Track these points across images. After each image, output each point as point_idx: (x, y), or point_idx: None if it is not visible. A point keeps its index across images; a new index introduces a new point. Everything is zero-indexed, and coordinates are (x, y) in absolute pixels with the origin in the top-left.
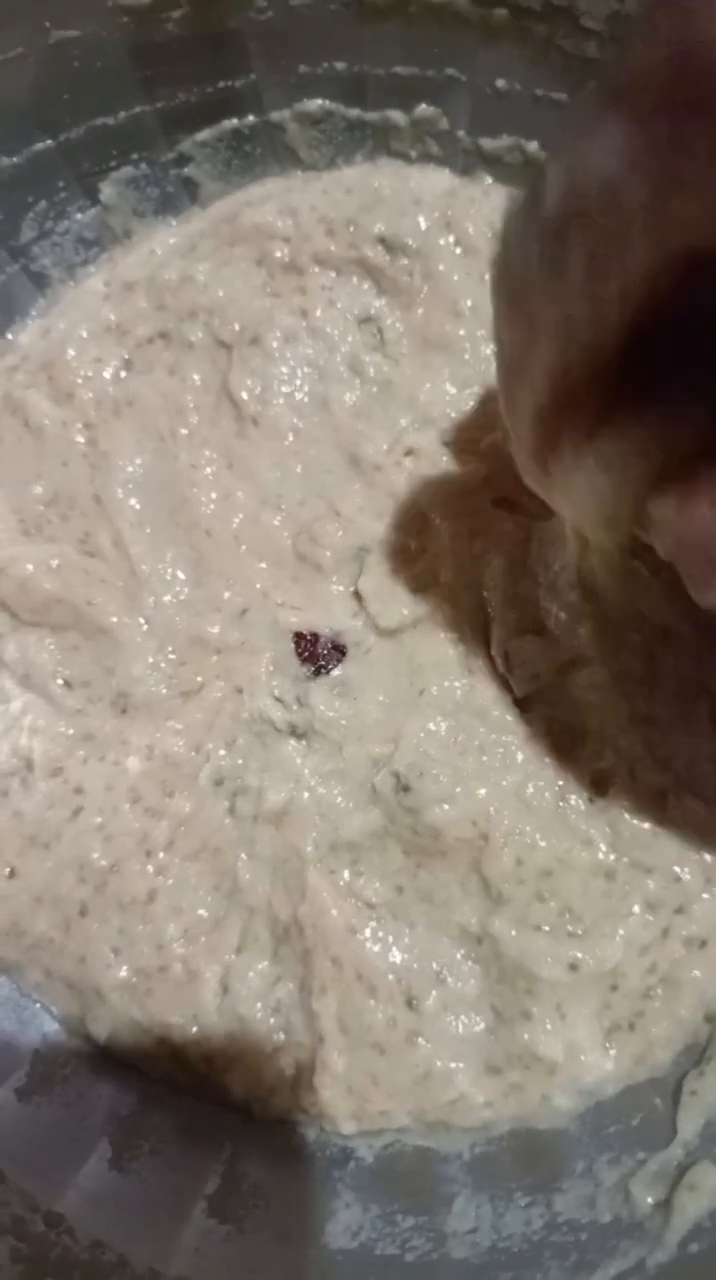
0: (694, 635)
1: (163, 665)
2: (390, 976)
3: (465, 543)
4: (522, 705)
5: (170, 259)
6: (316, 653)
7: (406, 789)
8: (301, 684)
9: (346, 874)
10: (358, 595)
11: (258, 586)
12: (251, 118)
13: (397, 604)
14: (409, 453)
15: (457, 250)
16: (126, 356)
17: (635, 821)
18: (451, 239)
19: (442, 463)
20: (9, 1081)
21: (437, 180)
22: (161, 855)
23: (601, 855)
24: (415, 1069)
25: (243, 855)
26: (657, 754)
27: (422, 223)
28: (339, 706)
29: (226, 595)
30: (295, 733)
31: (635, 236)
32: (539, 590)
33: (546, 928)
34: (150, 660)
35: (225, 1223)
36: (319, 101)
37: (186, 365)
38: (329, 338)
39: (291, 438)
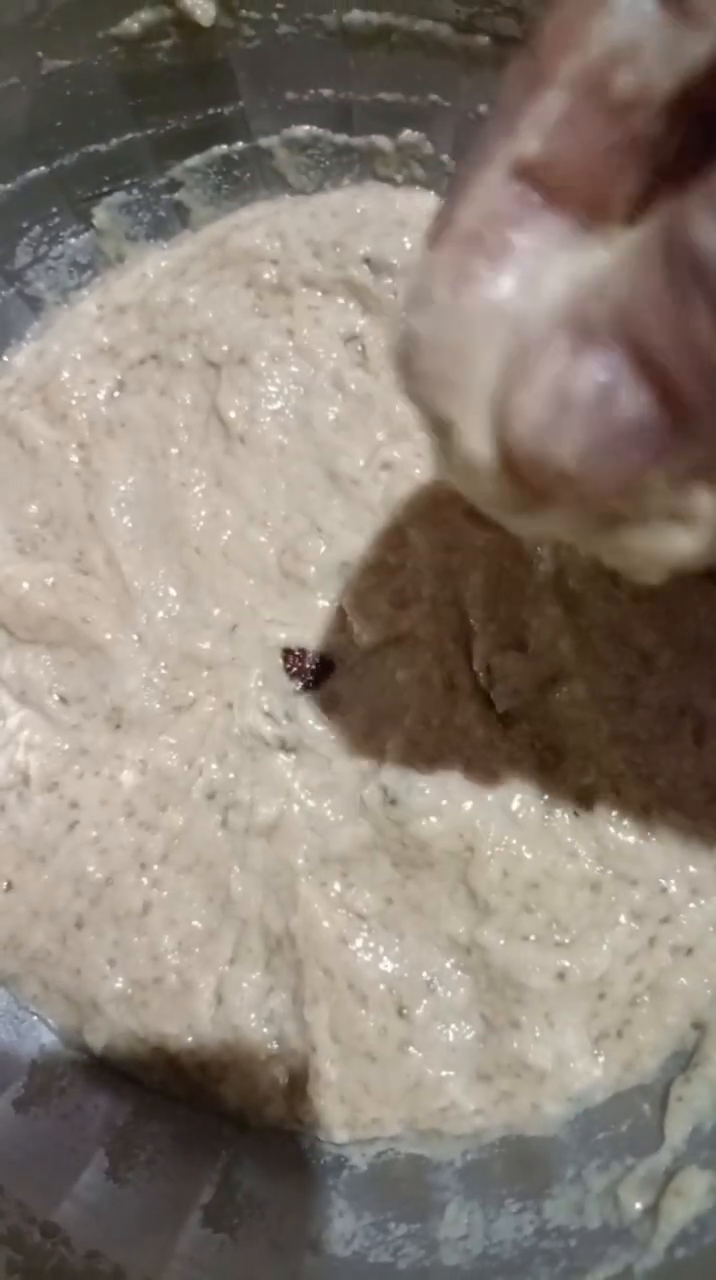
0: (673, 660)
1: (155, 681)
2: (381, 986)
3: (442, 556)
4: (505, 721)
5: (161, 282)
6: (304, 668)
7: (394, 802)
8: (290, 699)
9: (337, 886)
10: (341, 611)
11: (246, 603)
12: (240, 144)
13: (379, 619)
14: (386, 466)
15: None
16: (119, 378)
17: (620, 835)
18: None
19: (416, 475)
20: (7, 1093)
21: (422, 202)
22: (156, 868)
23: (587, 867)
24: (407, 1077)
25: (235, 868)
26: (641, 771)
27: (407, 243)
28: (327, 721)
29: (216, 612)
30: (285, 747)
31: None
32: (519, 605)
33: (534, 938)
34: (143, 676)
35: (220, 1232)
36: (306, 128)
37: (177, 386)
38: (314, 356)
39: (276, 454)
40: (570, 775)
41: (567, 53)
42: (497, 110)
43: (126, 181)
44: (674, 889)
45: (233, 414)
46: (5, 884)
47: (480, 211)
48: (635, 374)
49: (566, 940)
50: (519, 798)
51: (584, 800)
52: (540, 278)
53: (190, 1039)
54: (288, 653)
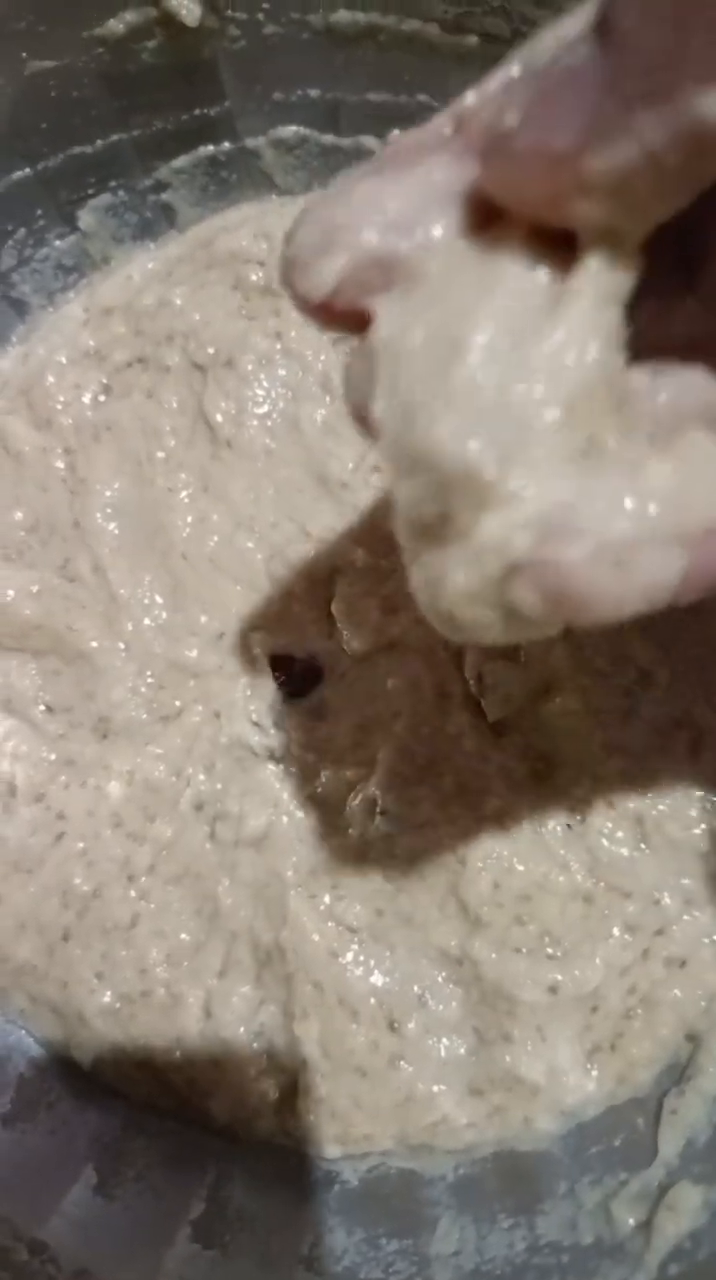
0: (670, 679)
1: (142, 690)
2: (372, 1000)
3: None
4: (497, 730)
5: (148, 284)
6: (292, 676)
7: (384, 813)
8: (278, 708)
9: (327, 898)
10: (331, 618)
11: (234, 610)
12: (227, 144)
13: (369, 627)
14: (375, 469)
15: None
16: (105, 381)
17: (613, 847)
18: None
19: None
20: None
21: None
22: (143, 880)
23: (579, 880)
24: (398, 1092)
25: (224, 880)
26: (635, 782)
27: None
28: (315, 730)
29: (203, 619)
30: (273, 757)
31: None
32: None
33: (525, 950)
34: (129, 685)
35: (210, 1248)
36: (293, 128)
37: (163, 389)
38: (302, 358)
39: (264, 459)
40: (562, 786)
41: (527, 49)
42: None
43: (112, 183)
44: (667, 901)
45: (219, 417)
46: None
47: (409, 138)
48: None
49: (558, 953)
50: (509, 809)
51: (576, 811)
52: (439, 197)
53: (179, 1053)
54: (276, 661)
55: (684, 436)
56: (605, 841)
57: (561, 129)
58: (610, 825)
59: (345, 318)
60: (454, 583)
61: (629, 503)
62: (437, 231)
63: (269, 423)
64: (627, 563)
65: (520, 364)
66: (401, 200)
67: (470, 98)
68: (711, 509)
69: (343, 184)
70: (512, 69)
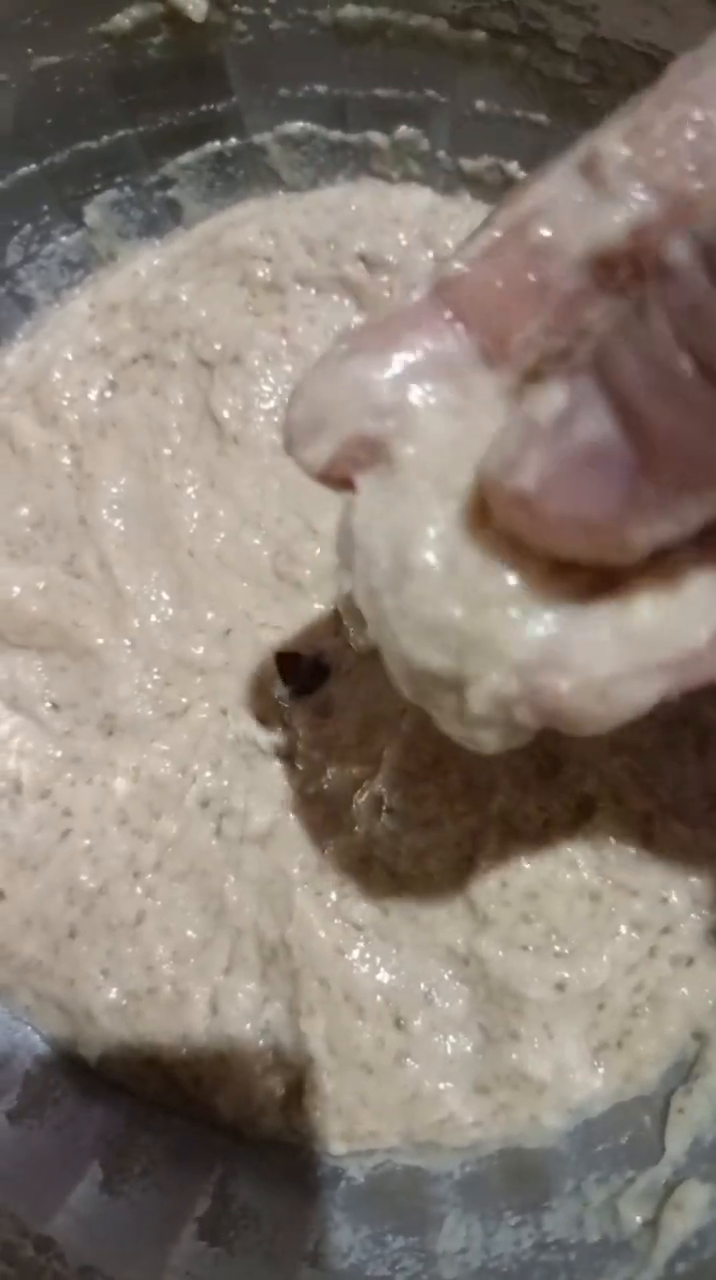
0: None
1: (148, 686)
2: (378, 997)
3: None
4: None
5: (154, 280)
6: (299, 673)
7: (390, 810)
8: (284, 705)
9: (333, 895)
10: (337, 614)
11: (240, 606)
12: (234, 140)
13: None
14: None
15: (436, 265)
16: (111, 378)
17: (620, 845)
18: (430, 255)
19: None
20: (0, 1105)
21: (418, 199)
22: (149, 877)
23: (586, 877)
24: (404, 1089)
25: (230, 877)
26: (642, 780)
27: (402, 239)
28: (321, 727)
29: (210, 616)
30: (279, 754)
31: None
32: None
33: (532, 948)
34: (136, 681)
35: (215, 1245)
36: (300, 124)
37: (169, 385)
38: (309, 354)
39: (270, 455)
40: (570, 784)
41: (509, 204)
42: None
43: (118, 179)
44: (674, 899)
45: (226, 414)
46: None
47: (395, 310)
48: (597, 399)
49: (565, 951)
50: (516, 807)
51: (584, 809)
52: (418, 375)
53: (185, 1050)
54: (282, 657)
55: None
56: (612, 839)
57: (595, 505)
58: (617, 823)
59: (342, 484)
60: (463, 720)
61: (613, 646)
62: (421, 414)
63: (275, 419)
64: (609, 695)
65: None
66: (386, 382)
67: (455, 265)
68: (688, 639)
69: (333, 359)
70: (494, 232)
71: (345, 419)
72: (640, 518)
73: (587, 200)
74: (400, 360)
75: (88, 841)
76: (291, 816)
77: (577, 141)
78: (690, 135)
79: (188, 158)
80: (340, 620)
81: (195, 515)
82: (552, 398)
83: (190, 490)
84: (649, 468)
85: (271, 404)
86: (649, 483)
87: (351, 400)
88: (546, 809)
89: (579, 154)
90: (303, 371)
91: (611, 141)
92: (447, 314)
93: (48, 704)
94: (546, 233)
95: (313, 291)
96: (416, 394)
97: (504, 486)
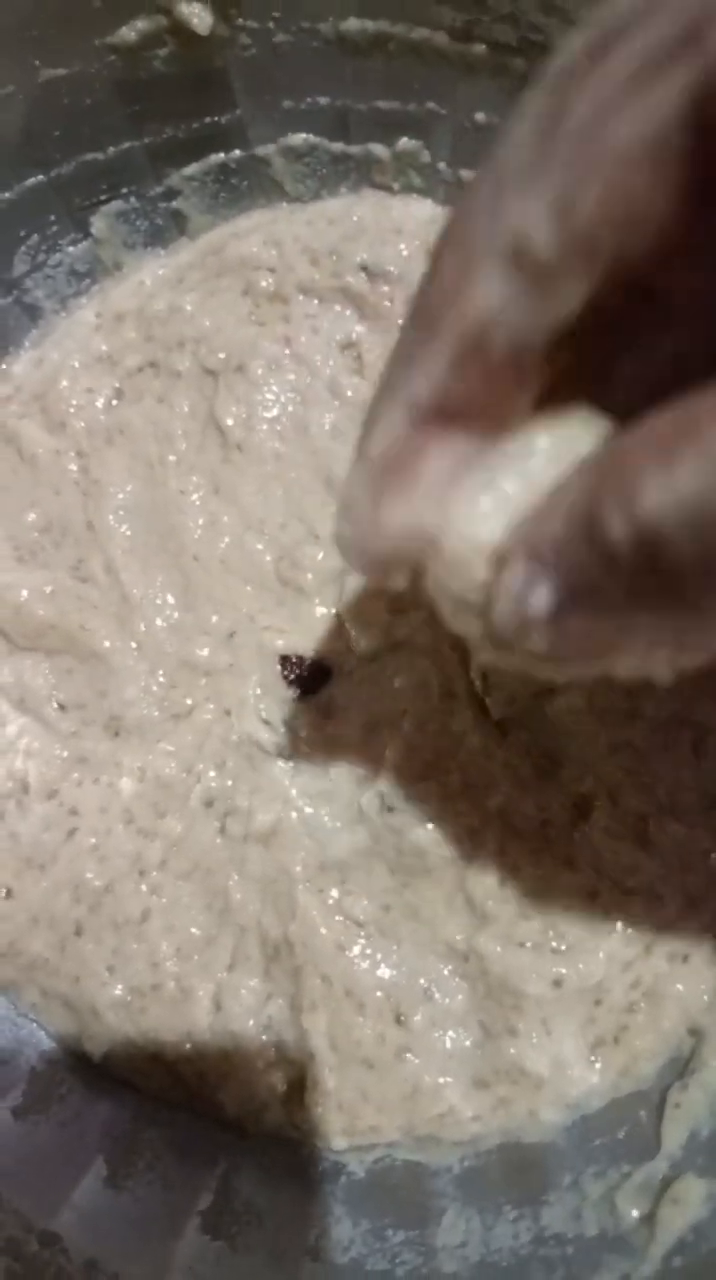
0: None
1: (154, 688)
2: (379, 993)
3: None
4: (502, 728)
5: (159, 290)
6: (302, 675)
7: (391, 809)
8: (288, 706)
9: (335, 893)
10: (339, 618)
11: (243, 610)
12: (238, 152)
13: (376, 627)
14: None
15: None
16: (117, 386)
17: (617, 844)
18: None
19: None
20: (5, 1100)
21: (419, 210)
22: (154, 875)
23: (584, 876)
24: (404, 1084)
25: (234, 875)
26: (639, 780)
27: (404, 250)
28: (324, 728)
29: (214, 619)
30: (282, 754)
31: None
32: None
33: (531, 945)
34: (142, 684)
35: (218, 1239)
36: (303, 136)
37: (174, 394)
38: (311, 363)
39: (273, 462)
40: (567, 783)
41: (448, 311)
42: (399, 348)
43: (124, 190)
44: (670, 897)
45: (230, 422)
46: (4, 891)
47: (386, 445)
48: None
49: (563, 947)
50: (515, 806)
51: (581, 808)
52: (449, 490)
53: (189, 1046)
54: (285, 660)
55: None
56: (609, 838)
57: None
58: (614, 822)
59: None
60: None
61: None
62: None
63: (278, 427)
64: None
65: None
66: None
67: (421, 388)
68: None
69: (361, 509)
70: (448, 349)
71: (406, 558)
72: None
73: (536, 298)
74: (424, 489)
75: (94, 840)
76: (294, 815)
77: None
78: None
79: (192, 169)
80: (342, 623)
81: (200, 521)
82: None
83: (195, 496)
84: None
85: (274, 412)
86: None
87: (405, 543)
88: (545, 809)
89: (502, 241)
90: (302, 379)
91: (532, 218)
92: (437, 428)
93: (55, 705)
94: (504, 339)
95: (315, 301)
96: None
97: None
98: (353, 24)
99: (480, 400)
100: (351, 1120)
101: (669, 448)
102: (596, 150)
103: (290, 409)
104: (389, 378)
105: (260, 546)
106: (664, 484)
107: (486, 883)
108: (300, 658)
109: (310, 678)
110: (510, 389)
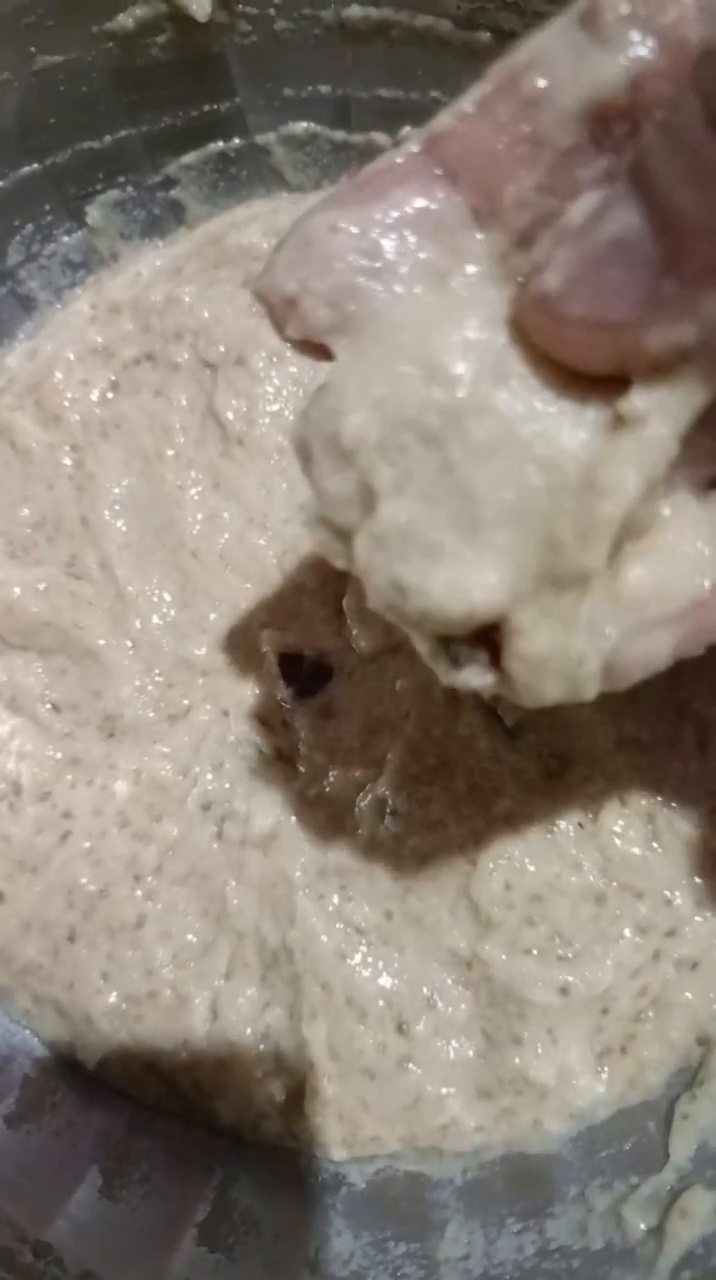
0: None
1: (149, 688)
2: (380, 1002)
3: None
4: (513, 733)
5: (156, 281)
6: (301, 674)
7: (393, 813)
8: (287, 706)
9: (335, 899)
10: (341, 616)
11: (243, 607)
12: (237, 140)
13: (378, 626)
14: None
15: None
16: (113, 378)
17: (625, 846)
18: None
19: None
20: None
21: None
22: (150, 880)
23: (591, 879)
24: (406, 1094)
25: (231, 880)
26: (646, 778)
27: None
28: (324, 729)
29: (212, 617)
30: (282, 756)
31: None
32: None
33: (536, 952)
34: (137, 683)
35: (215, 1251)
36: (304, 124)
37: (172, 386)
38: None
39: (277, 456)
40: (575, 785)
41: (505, 57)
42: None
43: (120, 179)
44: (679, 901)
45: (230, 415)
46: None
47: (380, 165)
48: (629, 196)
49: (569, 954)
50: (521, 809)
51: (588, 810)
52: (405, 230)
53: (185, 1054)
54: (285, 658)
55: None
56: (617, 840)
57: (616, 302)
58: (622, 824)
59: (318, 351)
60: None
61: (610, 629)
62: (406, 269)
63: (281, 420)
64: (616, 666)
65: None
66: (371, 237)
67: (445, 118)
68: (689, 588)
69: (316, 213)
70: (487, 85)
71: (328, 274)
72: (659, 316)
73: (585, 49)
74: (386, 214)
75: (88, 844)
76: (293, 819)
77: None
78: None
79: (190, 158)
80: (344, 621)
81: (198, 516)
82: (586, 201)
83: (193, 491)
84: (674, 261)
85: (276, 406)
86: (671, 280)
87: (335, 255)
88: (552, 811)
89: (579, 6)
90: (305, 371)
91: None
92: (437, 169)
93: (48, 705)
94: (541, 83)
95: None
96: (402, 248)
97: (529, 290)
98: (355, 11)
99: (483, 159)
100: (352, 1130)
101: None
102: None
103: (293, 403)
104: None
105: (262, 542)
106: None
107: (490, 888)
108: (300, 657)
109: (310, 677)
110: (517, 165)
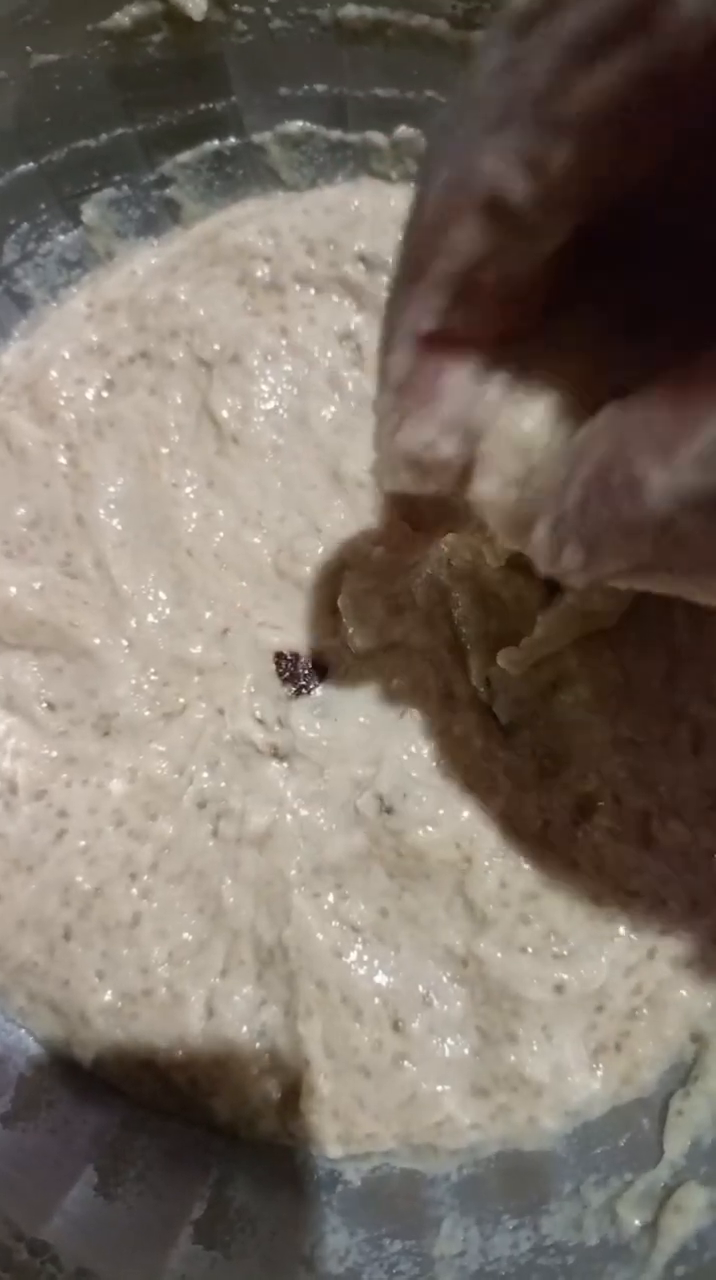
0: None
1: (145, 687)
2: (376, 999)
3: (438, 568)
4: (507, 730)
5: (152, 279)
6: (297, 673)
7: (389, 811)
8: (282, 705)
9: (331, 897)
10: (337, 614)
11: (238, 605)
12: (233, 139)
13: (373, 625)
14: None
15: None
16: (108, 377)
17: (620, 846)
18: None
19: None
20: None
21: None
22: (145, 878)
23: (586, 879)
24: (402, 1092)
25: (227, 878)
26: (642, 778)
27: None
28: (320, 728)
29: (208, 615)
30: (277, 754)
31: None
32: (503, 620)
33: (531, 950)
34: (133, 682)
35: (212, 1248)
36: (300, 123)
37: (168, 385)
38: (309, 354)
39: (272, 455)
40: (570, 783)
41: (435, 258)
42: (394, 288)
43: (116, 177)
44: (673, 900)
45: (225, 414)
46: None
47: (402, 371)
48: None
49: (564, 952)
50: (517, 808)
51: (583, 808)
52: (473, 401)
53: (181, 1052)
54: (280, 657)
55: None
56: (612, 840)
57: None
58: (617, 823)
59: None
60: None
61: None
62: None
63: (276, 419)
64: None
65: None
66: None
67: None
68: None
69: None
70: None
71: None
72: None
73: (526, 240)
74: (447, 404)
75: (83, 842)
76: (289, 818)
77: None
78: None
79: (186, 156)
80: (340, 620)
81: (194, 514)
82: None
83: (189, 490)
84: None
85: (271, 404)
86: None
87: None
88: (547, 810)
89: (480, 195)
90: (300, 370)
91: (506, 174)
92: (443, 356)
93: (43, 704)
94: (492, 276)
95: (312, 291)
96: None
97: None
98: (351, 10)
99: (481, 325)
100: (347, 1128)
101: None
102: (559, 114)
103: (288, 401)
104: (389, 315)
105: (257, 540)
106: (666, 479)
107: (486, 886)
108: (295, 655)
109: (306, 676)
110: (510, 309)
